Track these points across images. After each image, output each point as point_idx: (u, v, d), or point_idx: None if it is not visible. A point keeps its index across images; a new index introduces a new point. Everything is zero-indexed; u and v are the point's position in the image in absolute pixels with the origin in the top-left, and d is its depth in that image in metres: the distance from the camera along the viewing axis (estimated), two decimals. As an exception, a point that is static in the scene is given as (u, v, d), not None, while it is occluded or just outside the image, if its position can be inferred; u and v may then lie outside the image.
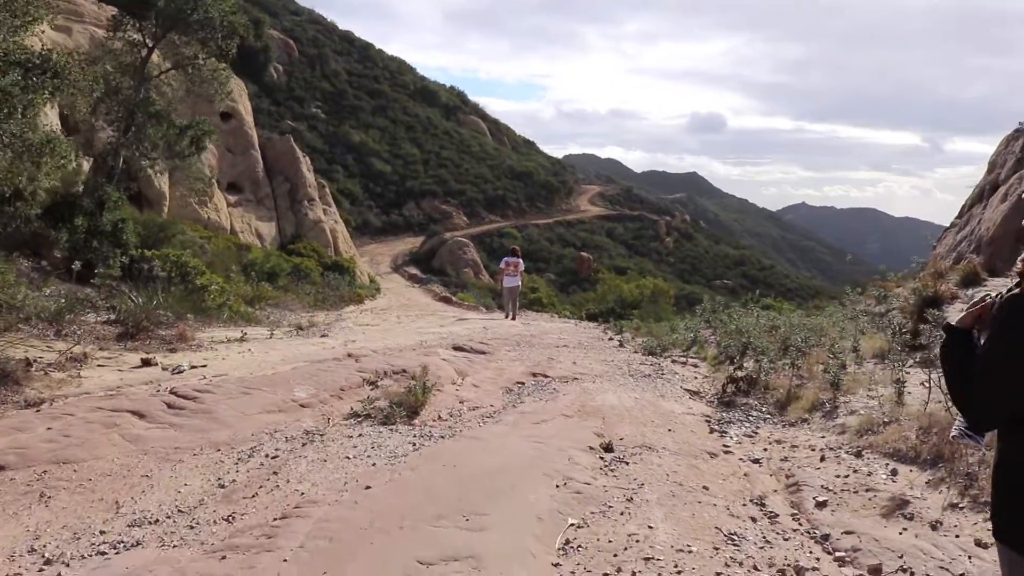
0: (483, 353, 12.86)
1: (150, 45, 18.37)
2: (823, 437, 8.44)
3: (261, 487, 6.04)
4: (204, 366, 9.61)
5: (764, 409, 10.35)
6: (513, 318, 21.80)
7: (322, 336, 14.43)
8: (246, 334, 12.69)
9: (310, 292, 35.09)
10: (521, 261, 22.49)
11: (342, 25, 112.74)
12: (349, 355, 11.03)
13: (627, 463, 7.21)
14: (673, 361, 14.85)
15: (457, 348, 12.92)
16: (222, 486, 6.06)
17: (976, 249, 24.12)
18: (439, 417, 8.42)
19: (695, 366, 14.51)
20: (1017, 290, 2.56)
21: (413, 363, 10.38)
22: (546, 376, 11.75)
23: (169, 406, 7.51)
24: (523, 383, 11.11)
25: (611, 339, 18.43)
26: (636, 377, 12.51)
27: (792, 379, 10.97)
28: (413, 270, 60.20)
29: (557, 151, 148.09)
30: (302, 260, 41.67)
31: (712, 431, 9.01)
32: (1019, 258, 2.75)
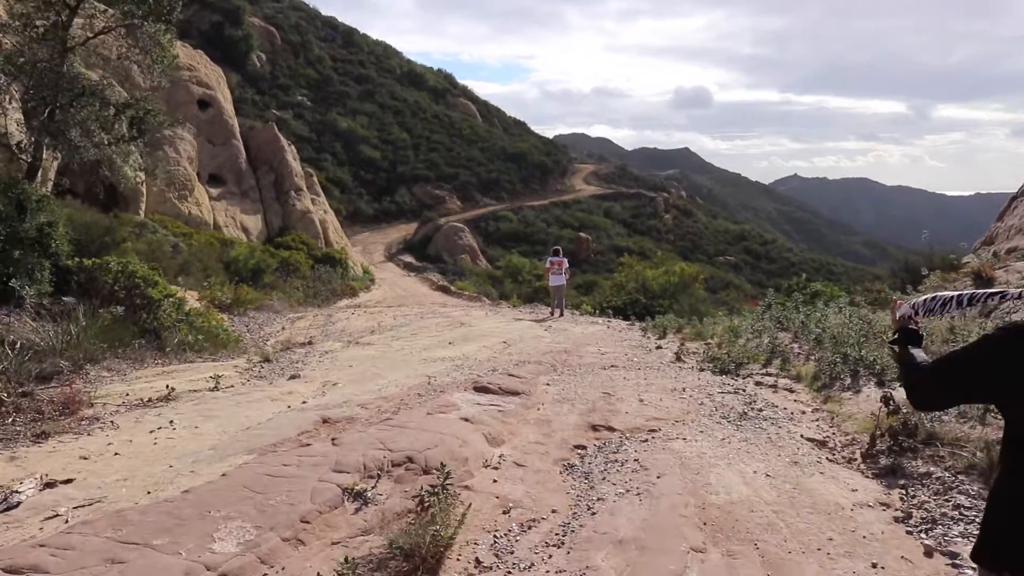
0: (515, 394, 9.22)
1: (72, 4, 14.55)
2: None
3: None
4: (71, 480, 5.70)
5: (959, 479, 6.80)
6: (560, 315, 21.42)
7: (291, 377, 10.58)
8: (173, 391, 8.83)
9: (300, 288, 32.42)
10: (566, 260, 21.82)
11: (323, 11, 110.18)
12: (325, 422, 7.42)
13: None
14: (757, 384, 11.30)
15: (479, 389, 9.23)
16: None
17: None
18: (478, 565, 4.81)
19: (789, 391, 10.95)
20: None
21: (424, 438, 6.66)
22: (611, 429, 8.19)
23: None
24: (584, 448, 7.53)
25: (658, 347, 14.94)
26: (731, 419, 8.98)
27: (975, 426, 7.44)
28: (408, 258, 58.44)
29: (546, 132, 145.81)
30: (290, 253, 39.44)
31: (928, 551, 5.42)
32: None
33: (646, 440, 7.88)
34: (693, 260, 70.52)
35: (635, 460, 7.15)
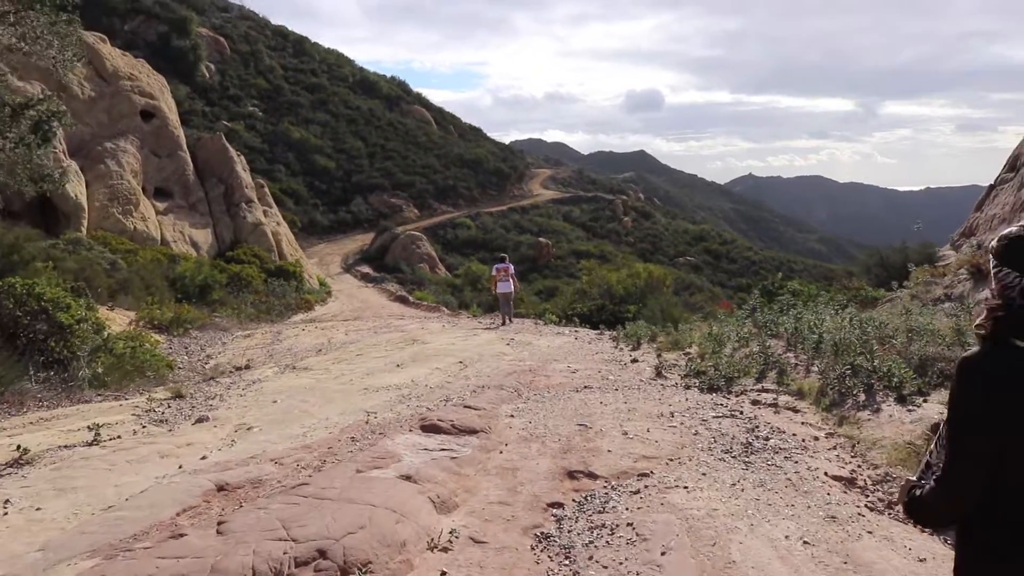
0: (472, 432, 7.49)
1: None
2: None
3: None
4: None
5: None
6: (509, 321, 21.38)
7: (198, 421, 8.63)
8: (25, 453, 6.73)
9: (252, 303, 30.86)
10: (512, 266, 21.87)
11: (273, 21, 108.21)
12: (219, 490, 5.65)
13: None
14: (754, 403, 9.71)
15: (428, 428, 7.45)
16: None
17: None
18: None
19: (794, 411, 9.35)
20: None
21: (346, 515, 4.86)
22: (593, 475, 6.52)
23: None
24: (561, 506, 5.85)
25: (634, 360, 13.32)
26: (735, 453, 7.37)
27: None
28: (365, 269, 56.96)
29: (502, 138, 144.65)
30: (242, 268, 37.86)
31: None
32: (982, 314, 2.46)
33: (638, 491, 6.21)
34: (654, 262, 69.52)
35: (628, 524, 5.47)
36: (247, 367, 14.08)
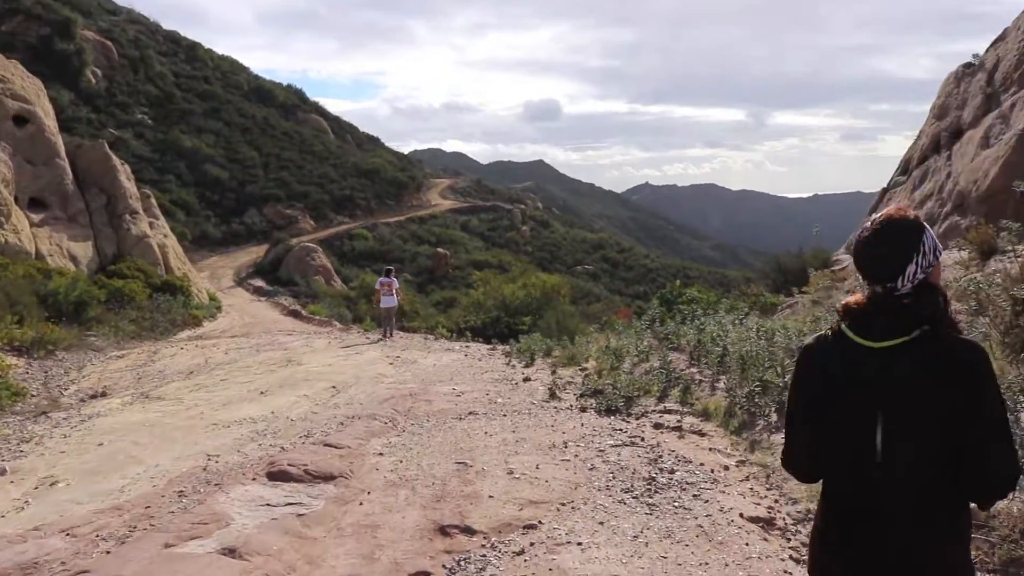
0: (330, 479, 6.28)
1: None
2: None
3: None
4: None
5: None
6: (391, 336, 21.41)
7: None
8: None
9: (134, 321, 29.21)
10: (395, 280, 22.15)
11: (164, 25, 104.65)
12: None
13: None
14: (656, 427, 8.78)
15: (276, 475, 6.19)
16: None
17: (959, 208, 19.44)
18: None
19: (700, 434, 8.44)
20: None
21: None
22: (469, 531, 5.41)
23: None
24: (428, 576, 4.76)
25: (526, 379, 12.32)
26: (637, 493, 6.40)
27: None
28: (258, 282, 55.04)
29: (401, 148, 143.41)
30: (125, 283, 35.73)
31: None
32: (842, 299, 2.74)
33: (522, 551, 5.12)
34: (552, 271, 69.38)
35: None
36: (103, 394, 12.60)
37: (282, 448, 7.36)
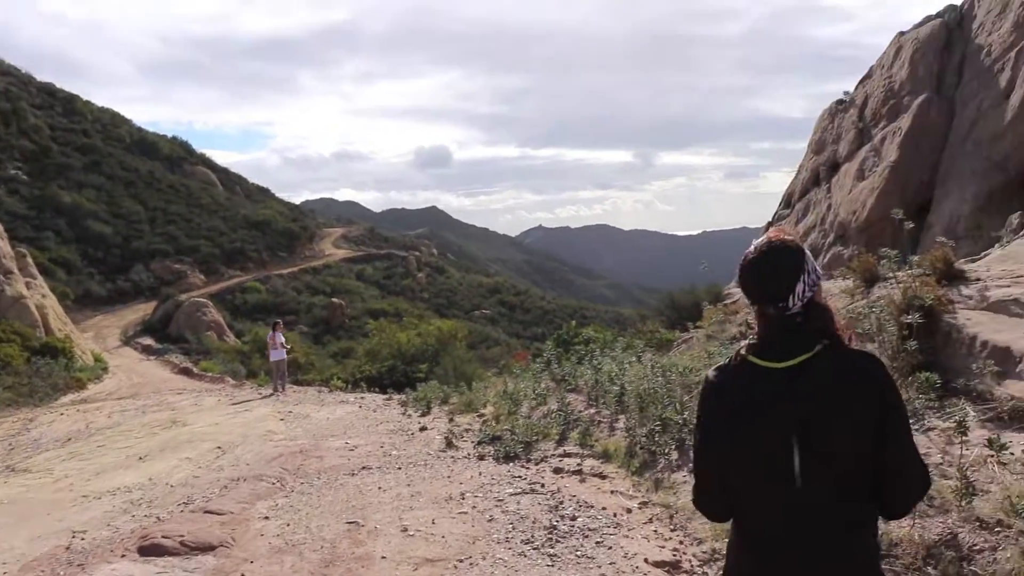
0: (209, 549, 5.84)
1: None
2: None
3: None
4: None
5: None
6: (283, 390, 21.36)
7: None
8: None
9: (10, 386, 27.90)
10: (281, 335, 22.16)
11: (38, 77, 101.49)
12: None
13: None
14: (556, 471, 8.58)
15: (148, 549, 5.68)
16: None
17: (841, 239, 19.97)
18: None
19: (600, 477, 8.27)
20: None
21: None
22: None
23: None
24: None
25: (422, 428, 12.03)
26: (538, 543, 6.15)
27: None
28: (147, 340, 53.26)
29: (293, 198, 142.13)
30: None
31: None
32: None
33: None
34: (450, 316, 69.16)
35: None
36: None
37: (158, 518, 6.85)
